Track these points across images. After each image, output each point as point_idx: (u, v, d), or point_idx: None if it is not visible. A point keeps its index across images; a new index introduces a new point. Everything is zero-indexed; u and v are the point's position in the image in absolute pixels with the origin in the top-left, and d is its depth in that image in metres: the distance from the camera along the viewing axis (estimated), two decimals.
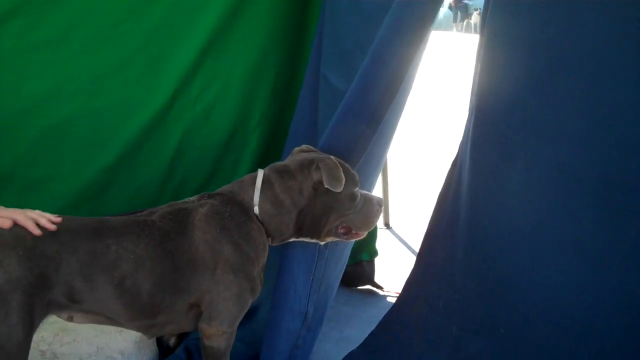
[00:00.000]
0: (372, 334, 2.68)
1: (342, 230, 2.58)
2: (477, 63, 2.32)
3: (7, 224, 2.16)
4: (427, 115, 9.40)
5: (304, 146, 2.73)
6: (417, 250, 4.14)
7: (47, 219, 2.20)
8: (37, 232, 2.14)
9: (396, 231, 4.54)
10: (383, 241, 3.95)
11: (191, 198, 2.54)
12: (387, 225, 4.85)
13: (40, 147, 3.33)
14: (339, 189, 2.42)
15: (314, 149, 2.70)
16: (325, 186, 2.41)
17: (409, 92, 2.88)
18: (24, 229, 2.14)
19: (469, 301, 2.17)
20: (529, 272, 1.99)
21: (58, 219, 2.23)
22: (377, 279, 3.88)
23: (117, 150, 3.48)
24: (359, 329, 3.21)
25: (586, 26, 1.89)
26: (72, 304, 2.19)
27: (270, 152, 3.89)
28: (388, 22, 2.59)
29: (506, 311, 2.00)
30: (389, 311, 2.67)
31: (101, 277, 2.19)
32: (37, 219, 2.18)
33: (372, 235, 3.84)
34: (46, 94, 3.28)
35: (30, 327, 2.06)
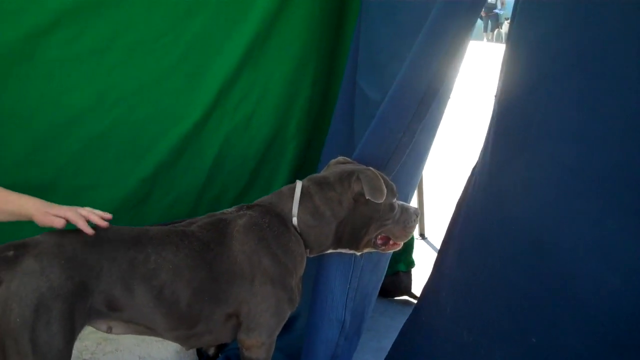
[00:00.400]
0: (394, 344, 2.71)
1: (380, 241, 2.61)
2: (501, 70, 2.33)
3: (60, 223, 2.22)
4: (461, 125, 9.37)
5: (340, 158, 2.75)
6: None
7: (99, 216, 2.26)
8: (89, 230, 2.21)
9: (431, 241, 4.55)
10: (419, 252, 3.95)
11: (230, 209, 2.57)
12: (422, 235, 4.86)
13: (83, 157, 3.39)
14: (381, 200, 2.44)
15: (350, 160, 2.72)
16: (367, 197, 2.43)
17: (446, 102, 2.88)
18: (66, 237, 2.18)
19: (481, 305, 2.16)
20: (554, 281, 1.99)
21: (109, 216, 2.29)
22: (414, 289, 3.89)
23: (157, 160, 3.53)
24: None
25: (603, 29, 1.90)
26: (112, 313, 2.23)
27: (307, 162, 3.92)
28: (425, 32, 2.60)
29: (537, 320, 2.00)
30: (406, 321, 2.70)
31: (141, 286, 2.23)
32: (88, 216, 2.25)
33: (409, 246, 3.85)
34: (88, 105, 3.34)
35: (71, 336, 2.10)
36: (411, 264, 3.88)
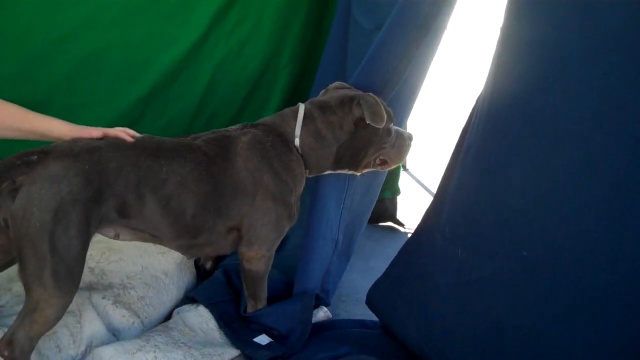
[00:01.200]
0: (392, 263, 2.79)
1: (378, 162, 2.70)
2: (492, 67, 2.38)
3: (98, 133, 2.31)
4: (452, 66, 9.47)
5: (337, 83, 2.81)
6: (433, 190, 4.29)
7: (129, 134, 2.37)
8: (129, 138, 2.32)
9: (413, 173, 4.66)
10: (401, 182, 4.06)
11: (234, 127, 2.63)
12: (404, 167, 4.97)
13: (76, 75, 3.40)
14: (381, 125, 2.53)
15: (348, 85, 2.78)
16: (368, 122, 2.52)
17: (442, 33, 2.94)
18: (88, 143, 2.24)
19: (481, 225, 2.26)
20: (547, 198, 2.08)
21: (140, 136, 2.40)
22: (398, 216, 4.00)
23: (151, 82, 3.56)
24: (382, 261, 3.32)
25: (593, 25, 1.96)
26: (121, 220, 2.29)
27: (299, 89, 3.97)
28: None
29: (528, 235, 2.09)
30: (406, 242, 2.78)
31: (151, 196, 2.29)
32: (117, 134, 2.35)
33: (395, 175, 3.95)
34: (82, 23, 3.33)
35: (86, 240, 2.16)
36: (397, 191, 3.99)
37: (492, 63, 2.34)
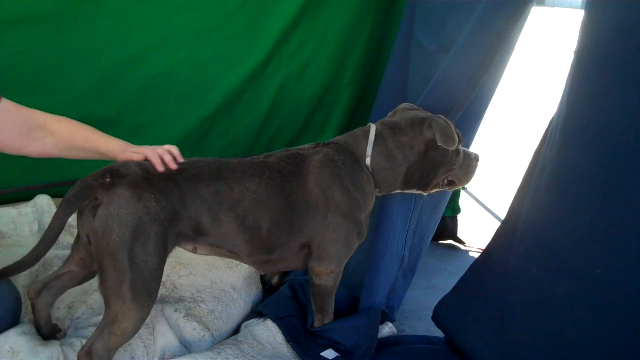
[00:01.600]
0: (461, 280, 2.80)
1: (446, 183, 2.74)
2: (567, 83, 2.40)
3: (140, 157, 2.35)
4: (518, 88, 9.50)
5: (406, 104, 2.84)
6: (492, 209, 4.30)
7: (171, 158, 2.35)
8: (160, 168, 2.32)
9: (472, 192, 4.67)
10: (462, 200, 4.08)
11: (306, 145, 2.67)
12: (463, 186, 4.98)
13: (146, 95, 3.54)
14: (453, 147, 2.57)
15: (417, 107, 2.82)
16: (439, 144, 2.56)
17: (509, 59, 2.97)
18: (154, 174, 2.30)
19: (556, 245, 2.27)
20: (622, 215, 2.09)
21: (180, 159, 2.39)
22: (459, 234, 4.02)
23: (217, 101, 3.69)
24: (444, 279, 3.37)
25: None
26: (198, 237, 2.37)
27: (359, 110, 4.03)
28: None
29: (603, 254, 2.10)
30: (476, 261, 2.79)
31: (226, 215, 2.35)
32: (162, 155, 2.35)
33: (456, 194, 3.97)
34: (152, 45, 3.49)
35: (164, 256, 2.24)
36: (457, 210, 4.00)
37: (567, 84, 2.35)
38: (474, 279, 2.73)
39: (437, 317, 2.82)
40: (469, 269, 2.78)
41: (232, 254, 2.48)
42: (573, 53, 2.33)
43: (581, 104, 2.23)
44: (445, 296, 2.84)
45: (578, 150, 2.21)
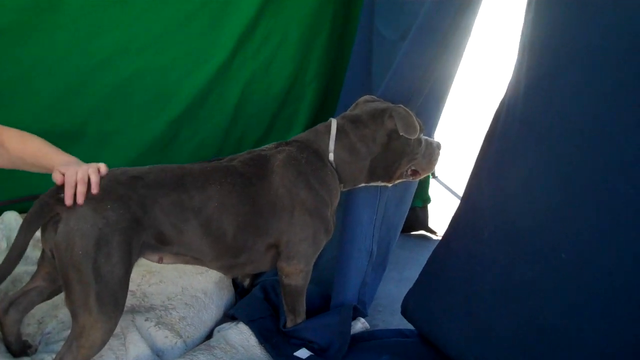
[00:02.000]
0: (422, 272, 2.83)
1: (410, 172, 2.76)
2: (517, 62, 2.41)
3: (59, 179, 2.22)
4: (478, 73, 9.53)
5: (367, 96, 2.85)
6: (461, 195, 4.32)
7: (96, 180, 2.23)
8: (68, 202, 2.16)
9: (442, 180, 4.69)
10: (431, 190, 4.09)
11: (268, 145, 2.68)
12: (433, 175, 4.99)
13: (110, 102, 3.51)
14: (415, 136, 2.59)
15: (377, 98, 2.83)
16: (401, 133, 2.57)
17: (466, 42, 2.97)
18: (112, 180, 2.27)
19: (521, 231, 2.29)
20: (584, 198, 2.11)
21: (104, 171, 2.30)
22: (430, 224, 4.04)
23: (182, 104, 3.67)
24: (416, 270, 3.34)
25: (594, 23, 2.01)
26: (163, 246, 2.37)
27: (326, 103, 4.03)
28: None
29: (566, 237, 2.12)
30: (435, 248, 2.81)
31: (188, 223, 2.35)
32: (85, 177, 2.21)
33: (425, 183, 3.99)
34: (114, 52, 3.46)
35: (129, 265, 2.23)
36: (427, 200, 4.02)
37: (517, 62, 2.37)
38: (435, 269, 2.75)
39: (405, 310, 2.84)
40: (429, 260, 2.80)
41: (197, 260, 2.48)
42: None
43: (540, 88, 2.24)
44: (410, 289, 2.86)
45: (540, 133, 2.22)
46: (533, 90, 2.27)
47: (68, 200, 2.15)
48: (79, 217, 2.14)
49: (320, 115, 4.03)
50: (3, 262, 2.18)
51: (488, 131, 2.56)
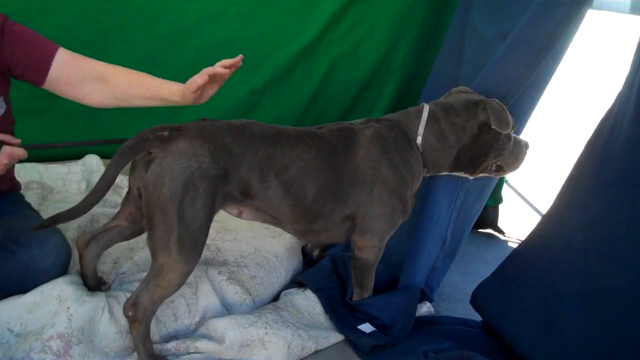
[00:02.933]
0: (501, 266, 2.80)
1: (494, 168, 2.74)
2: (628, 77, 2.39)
3: (204, 78, 2.46)
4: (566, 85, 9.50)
5: (461, 87, 2.84)
6: (530, 200, 4.28)
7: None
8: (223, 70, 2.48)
9: (512, 183, 4.66)
10: (503, 191, 4.08)
11: (358, 120, 2.70)
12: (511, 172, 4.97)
13: (199, 64, 3.45)
14: (507, 131, 2.58)
15: (472, 90, 2.82)
16: (493, 127, 2.57)
17: (566, 50, 2.96)
18: (216, 127, 2.35)
19: (613, 235, 2.27)
20: None
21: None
22: (499, 224, 4.02)
23: (267, 75, 3.75)
24: (481, 266, 3.38)
25: None
26: (245, 200, 2.40)
27: (408, 93, 4.04)
28: None
29: None
30: (517, 248, 2.79)
31: (274, 179, 2.39)
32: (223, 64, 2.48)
33: (499, 183, 3.96)
34: (208, 16, 3.56)
35: (211, 213, 2.28)
36: (499, 199, 3.99)
37: (630, 73, 2.35)
38: (515, 266, 2.72)
39: (475, 300, 2.83)
40: (509, 256, 2.78)
41: (275, 220, 2.52)
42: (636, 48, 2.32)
43: None
44: (483, 281, 2.84)
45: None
46: None
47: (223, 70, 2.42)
48: (175, 157, 2.19)
49: (403, 102, 4.02)
50: (91, 192, 2.24)
51: (589, 142, 2.53)
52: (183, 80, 3.46)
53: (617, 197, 2.29)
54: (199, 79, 2.43)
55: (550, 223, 2.64)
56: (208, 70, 2.43)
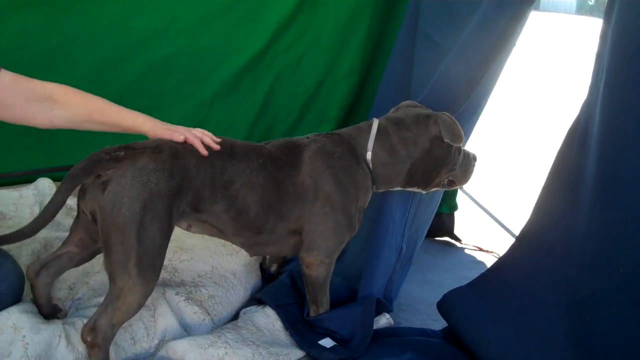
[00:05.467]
0: (482, 276, 2.79)
1: (446, 182, 2.77)
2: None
3: (181, 138, 2.37)
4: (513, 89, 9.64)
5: (409, 101, 2.85)
6: (485, 206, 4.32)
7: (210, 138, 2.42)
8: (204, 152, 2.36)
9: (467, 190, 4.70)
10: (457, 198, 4.11)
11: (309, 135, 2.69)
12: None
13: (146, 79, 3.58)
14: (459, 143, 2.60)
15: (420, 104, 2.83)
16: (446, 140, 2.58)
17: (507, 59, 2.99)
18: (170, 142, 2.34)
19: (590, 244, 2.29)
20: None
21: (219, 139, 2.45)
22: (455, 231, 4.05)
23: (214, 89, 3.74)
24: (439, 274, 3.41)
25: None
26: (194, 213, 2.38)
27: (359, 102, 4.04)
28: None
29: (626, 251, 2.13)
30: (500, 257, 2.79)
31: (221, 193, 2.38)
32: (202, 138, 2.40)
33: (453, 191, 3.99)
34: (154, 31, 3.53)
35: (169, 231, 2.26)
36: (454, 207, 4.01)
37: (594, 89, 2.37)
38: (497, 275, 2.72)
39: (443, 304, 2.81)
40: (492, 266, 2.78)
41: (220, 233, 2.51)
42: (595, 56, 2.35)
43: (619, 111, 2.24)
44: (457, 288, 2.82)
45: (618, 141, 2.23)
46: (614, 97, 2.27)
47: (202, 150, 2.35)
48: (132, 178, 2.16)
49: (354, 112, 4.04)
50: (39, 215, 2.22)
51: (560, 153, 2.54)
52: (131, 96, 3.49)
53: (594, 207, 2.30)
54: (175, 136, 2.40)
55: (528, 233, 2.65)
56: (189, 137, 2.40)
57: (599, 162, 2.28)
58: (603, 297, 2.18)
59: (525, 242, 2.64)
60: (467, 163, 2.78)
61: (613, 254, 2.16)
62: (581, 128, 2.43)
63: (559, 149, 2.53)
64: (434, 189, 2.79)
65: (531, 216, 2.63)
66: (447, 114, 2.66)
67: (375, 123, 2.68)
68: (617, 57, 2.23)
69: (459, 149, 2.71)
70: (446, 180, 2.76)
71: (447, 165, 2.69)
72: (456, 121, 2.63)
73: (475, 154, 2.83)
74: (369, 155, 2.63)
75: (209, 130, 3.38)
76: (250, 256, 2.92)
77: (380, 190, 2.75)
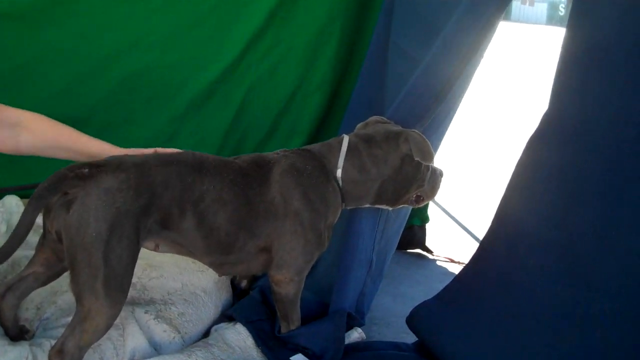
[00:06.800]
0: (447, 288, 2.79)
1: (414, 198, 2.77)
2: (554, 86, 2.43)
3: None
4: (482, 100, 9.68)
5: (377, 117, 2.85)
6: (459, 219, 4.33)
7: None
8: None
9: (437, 201, 4.72)
10: (429, 210, 4.13)
11: (279, 150, 2.68)
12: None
13: (117, 94, 3.57)
14: (430, 162, 2.61)
15: (388, 120, 2.83)
16: (416, 159, 2.58)
17: (474, 72, 3.01)
18: (136, 158, 2.32)
19: (569, 256, 2.30)
20: None
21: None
22: (426, 243, 4.06)
23: (185, 102, 3.73)
24: (411, 286, 3.41)
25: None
26: (162, 231, 2.34)
27: (330, 115, 4.04)
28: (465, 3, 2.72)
29: (595, 257, 2.16)
30: (465, 267, 2.79)
31: (190, 210, 2.35)
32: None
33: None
34: (125, 46, 3.53)
35: (136, 251, 2.23)
36: (426, 219, 4.03)
37: (557, 83, 2.39)
38: (463, 287, 2.72)
39: (413, 319, 2.81)
40: (456, 277, 2.78)
41: (189, 252, 2.49)
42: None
43: (576, 104, 2.27)
44: (424, 302, 2.83)
45: (576, 151, 2.25)
46: (568, 97, 2.29)
47: None
48: (97, 197, 2.12)
49: (326, 125, 4.03)
50: (9, 239, 2.16)
51: (520, 163, 2.55)
52: (102, 111, 3.48)
53: (567, 219, 2.32)
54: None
55: (494, 245, 2.64)
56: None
57: (562, 174, 2.31)
58: (587, 308, 2.19)
59: (489, 254, 2.65)
60: (434, 179, 2.78)
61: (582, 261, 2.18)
62: (546, 123, 2.45)
63: (519, 158, 2.54)
64: (401, 206, 2.79)
65: (493, 224, 2.64)
66: (417, 131, 2.66)
67: (346, 140, 2.67)
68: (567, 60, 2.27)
69: (427, 166, 2.71)
70: (414, 196, 2.76)
71: (416, 182, 2.69)
72: (426, 139, 2.63)
73: (442, 169, 2.84)
74: (339, 172, 2.62)
75: (180, 145, 3.40)
76: (219, 276, 2.91)
77: (350, 207, 2.75)
